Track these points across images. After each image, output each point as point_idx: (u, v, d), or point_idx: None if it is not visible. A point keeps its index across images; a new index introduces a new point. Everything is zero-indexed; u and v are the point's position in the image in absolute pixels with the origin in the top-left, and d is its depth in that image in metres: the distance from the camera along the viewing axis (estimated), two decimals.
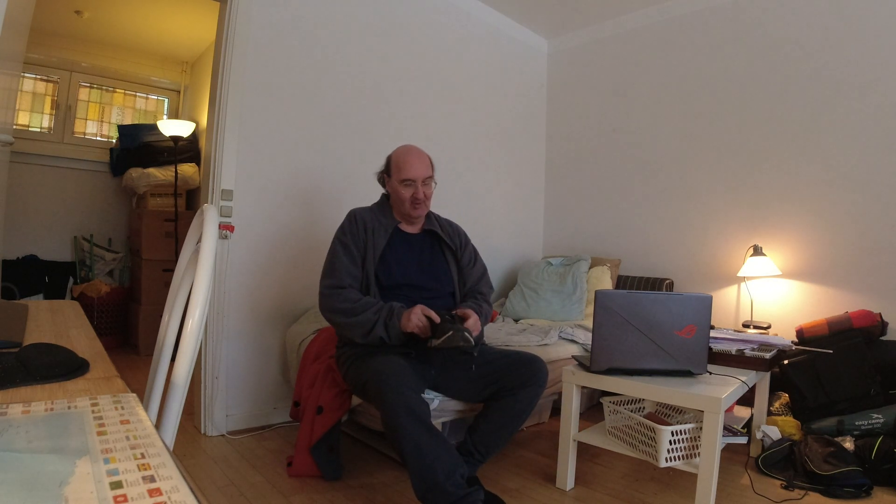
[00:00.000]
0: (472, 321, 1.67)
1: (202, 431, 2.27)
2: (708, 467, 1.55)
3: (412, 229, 1.91)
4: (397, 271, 1.81)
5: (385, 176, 1.88)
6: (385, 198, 1.94)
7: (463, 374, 1.75)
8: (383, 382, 1.48)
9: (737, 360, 1.95)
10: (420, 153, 1.85)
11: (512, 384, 1.70)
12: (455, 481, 1.43)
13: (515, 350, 1.86)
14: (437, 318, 1.60)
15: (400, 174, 1.80)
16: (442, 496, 1.41)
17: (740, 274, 2.80)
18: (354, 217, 1.84)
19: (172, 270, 1.34)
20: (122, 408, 0.57)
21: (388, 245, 1.82)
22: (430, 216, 1.95)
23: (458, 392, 1.79)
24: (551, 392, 2.35)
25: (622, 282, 3.27)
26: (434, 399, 1.76)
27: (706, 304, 1.72)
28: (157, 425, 0.84)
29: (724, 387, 1.66)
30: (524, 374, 1.70)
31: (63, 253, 3.90)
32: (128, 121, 4.26)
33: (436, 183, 1.88)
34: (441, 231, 1.92)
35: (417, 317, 1.61)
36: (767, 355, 1.94)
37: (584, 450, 2.06)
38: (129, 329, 3.82)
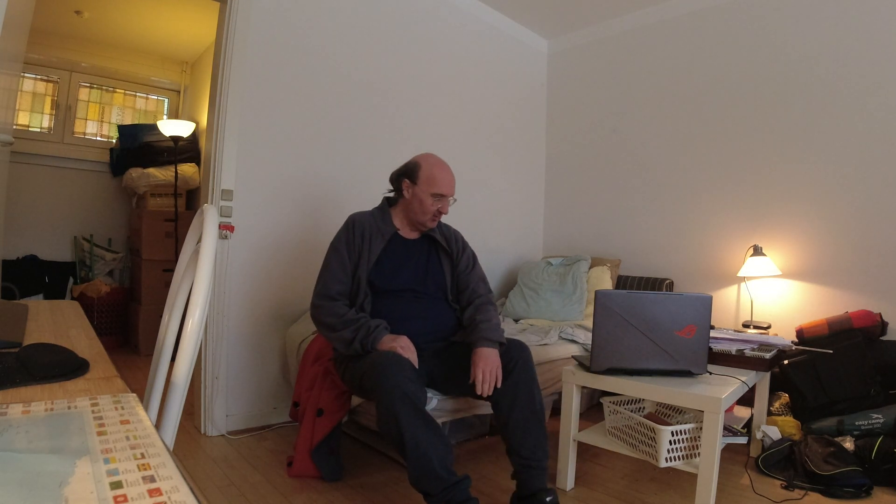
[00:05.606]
0: (480, 373, 1.63)
1: (202, 431, 2.27)
2: (708, 467, 1.55)
3: (411, 235, 1.92)
4: (391, 276, 1.82)
5: (406, 180, 1.85)
6: (386, 202, 1.93)
7: (457, 364, 1.73)
8: (380, 371, 1.50)
9: (737, 360, 1.95)
10: (451, 170, 1.86)
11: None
12: (447, 468, 1.47)
13: None
14: (415, 362, 1.60)
15: (432, 187, 1.80)
16: (436, 482, 1.45)
17: (740, 274, 2.80)
18: (353, 223, 1.85)
19: (172, 270, 1.34)
20: (122, 408, 0.57)
21: (385, 251, 1.83)
22: None
23: (452, 387, 1.78)
24: (551, 392, 2.35)
25: (622, 282, 3.27)
26: (432, 399, 1.76)
27: (706, 304, 1.72)
28: (157, 425, 0.84)
29: (724, 387, 1.66)
30: (504, 360, 1.68)
31: (63, 253, 3.90)
32: (128, 121, 4.26)
33: (455, 199, 1.89)
34: (439, 236, 1.93)
35: (402, 348, 1.62)
36: (767, 355, 1.94)
37: (584, 450, 2.06)
38: (129, 329, 3.82)
